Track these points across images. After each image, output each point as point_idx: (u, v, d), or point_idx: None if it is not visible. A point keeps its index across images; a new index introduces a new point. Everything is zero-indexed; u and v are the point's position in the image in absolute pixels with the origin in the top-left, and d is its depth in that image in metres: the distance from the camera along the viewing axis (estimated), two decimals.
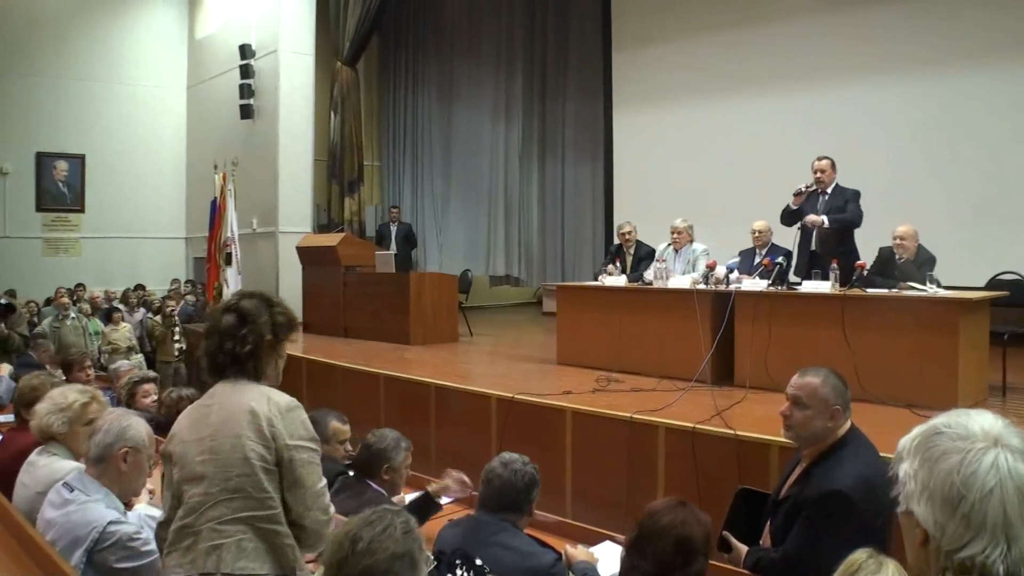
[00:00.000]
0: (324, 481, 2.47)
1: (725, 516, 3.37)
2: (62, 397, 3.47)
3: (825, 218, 6.85)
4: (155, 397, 5.28)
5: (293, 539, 2.40)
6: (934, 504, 1.26)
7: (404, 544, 1.89)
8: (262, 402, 2.39)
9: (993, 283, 6.83)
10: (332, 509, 2.51)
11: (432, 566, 2.75)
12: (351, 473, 3.74)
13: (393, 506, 2.31)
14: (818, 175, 7.00)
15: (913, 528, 1.30)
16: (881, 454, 3.12)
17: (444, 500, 3.79)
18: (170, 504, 2.48)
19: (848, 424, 3.11)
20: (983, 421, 1.30)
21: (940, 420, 1.33)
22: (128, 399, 5.23)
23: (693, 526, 2.33)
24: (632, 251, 8.53)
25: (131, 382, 5.39)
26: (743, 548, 3.19)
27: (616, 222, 11.80)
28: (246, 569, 2.29)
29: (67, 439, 3.39)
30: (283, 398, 2.44)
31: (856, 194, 6.94)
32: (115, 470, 2.95)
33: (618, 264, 8.01)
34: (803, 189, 7.00)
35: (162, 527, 2.52)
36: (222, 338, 2.47)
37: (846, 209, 6.87)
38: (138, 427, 3.03)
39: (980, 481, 1.23)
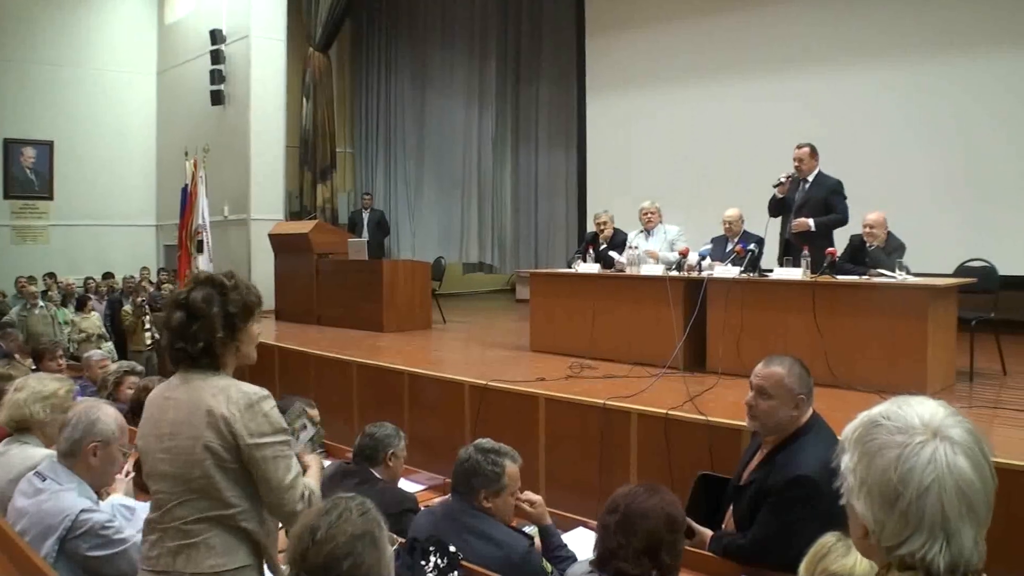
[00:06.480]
0: (295, 471, 2.38)
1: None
2: (41, 384, 3.43)
3: (811, 222, 6.68)
4: None
5: (262, 529, 2.36)
6: (872, 501, 1.24)
7: (362, 525, 1.92)
8: (220, 400, 2.30)
9: (961, 270, 6.89)
10: (313, 495, 2.43)
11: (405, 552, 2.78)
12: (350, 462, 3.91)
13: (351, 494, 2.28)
14: (796, 164, 6.90)
15: (855, 520, 1.29)
16: None
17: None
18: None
19: (810, 411, 3.14)
20: (923, 411, 1.27)
21: (879, 410, 1.30)
22: (114, 387, 5.23)
23: (675, 506, 2.44)
24: (608, 240, 8.48)
25: (120, 371, 5.37)
26: (707, 532, 3.21)
27: (590, 209, 11.85)
28: (216, 567, 2.26)
29: (45, 427, 3.33)
30: (243, 393, 2.33)
31: (838, 185, 6.79)
32: (85, 463, 2.91)
33: (591, 252, 7.98)
34: (783, 179, 6.91)
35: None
36: (173, 336, 2.39)
37: (828, 202, 6.74)
38: (107, 419, 2.97)
39: (917, 477, 1.20)
